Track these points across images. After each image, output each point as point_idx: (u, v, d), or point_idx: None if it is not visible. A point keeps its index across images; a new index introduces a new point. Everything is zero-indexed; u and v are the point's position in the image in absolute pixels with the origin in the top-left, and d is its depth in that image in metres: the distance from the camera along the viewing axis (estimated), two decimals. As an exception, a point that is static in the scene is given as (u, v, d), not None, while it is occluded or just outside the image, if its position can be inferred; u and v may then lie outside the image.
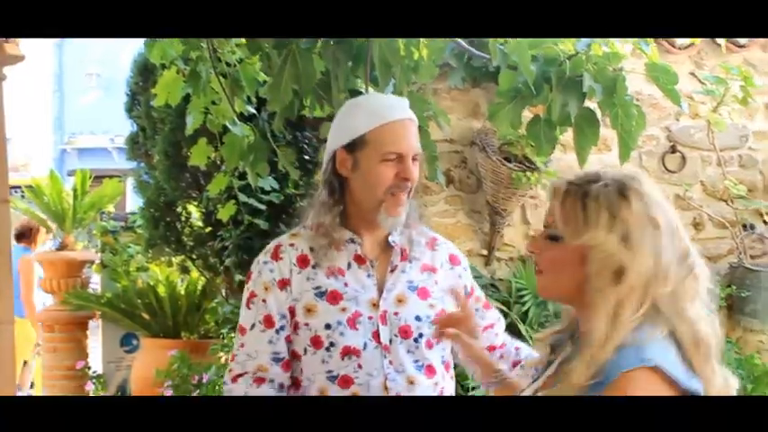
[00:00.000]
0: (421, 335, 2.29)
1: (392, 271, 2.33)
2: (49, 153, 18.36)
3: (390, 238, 2.35)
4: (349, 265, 2.30)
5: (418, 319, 2.29)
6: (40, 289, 7.29)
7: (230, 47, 3.63)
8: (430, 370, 2.30)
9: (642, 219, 1.64)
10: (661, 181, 4.98)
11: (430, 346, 2.31)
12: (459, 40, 2.94)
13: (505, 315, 4.27)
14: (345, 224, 2.31)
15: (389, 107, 2.33)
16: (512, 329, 4.27)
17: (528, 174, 4.39)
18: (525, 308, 4.44)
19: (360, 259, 2.32)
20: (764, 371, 3.97)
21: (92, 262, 7.17)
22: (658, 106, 4.88)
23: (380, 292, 2.30)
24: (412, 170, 2.26)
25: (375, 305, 2.27)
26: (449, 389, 2.39)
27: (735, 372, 4.07)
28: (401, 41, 2.72)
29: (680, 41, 4.68)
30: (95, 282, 7.54)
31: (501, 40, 2.77)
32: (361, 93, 2.97)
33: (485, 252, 4.91)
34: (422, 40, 2.72)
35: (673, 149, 5.00)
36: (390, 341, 2.24)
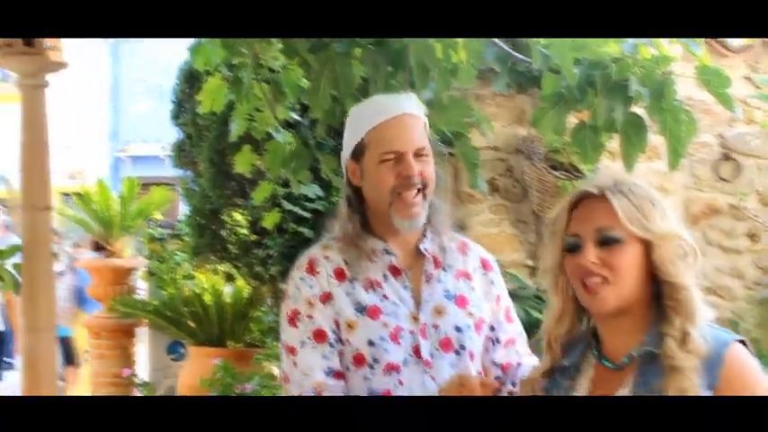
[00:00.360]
0: (463, 346, 2.19)
1: (427, 281, 2.23)
2: (104, 161, 18.64)
3: (421, 246, 2.24)
4: (385, 277, 2.21)
5: (458, 329, 2.19)
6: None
7: (273, 52, 3.62)
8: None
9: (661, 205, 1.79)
10: (714, 190, 4.93)
11: (473, 357, 2.21)
12: (500, 42, 2.87)
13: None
14: (374, 234, 2.23)
15: (383, 106, 2.27)
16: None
17: (574, 182, 4.32)
18: None
19: (395, 270, 2.22)
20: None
21: (139, 269, 7.27)
22: (711, 112, 4.73)
23: (418, 304, 2.20)
24: (411, 166, 2.15)
25: (415, 318, 2.17)
26: None
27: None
28: (438, 44, 2.67)
29: (734, 43, 4.58)
30: (143, 288, 7.62)
31: (543, 42, 2.69)
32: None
33: (530, 263, 4.85)
34: (460, 42, 2.65)
35: (726, 157, 4.90)
36: (432, 355, 2.15)
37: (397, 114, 2.21)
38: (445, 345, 2.17)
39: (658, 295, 1.76)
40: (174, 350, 6.76)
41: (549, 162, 4.45)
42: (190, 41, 3.85)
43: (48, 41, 4.15)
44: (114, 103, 19.02)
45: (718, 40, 4.47)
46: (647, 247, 1.74)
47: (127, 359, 6.95)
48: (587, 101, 2.73)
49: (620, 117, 2.66)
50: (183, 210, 8.01)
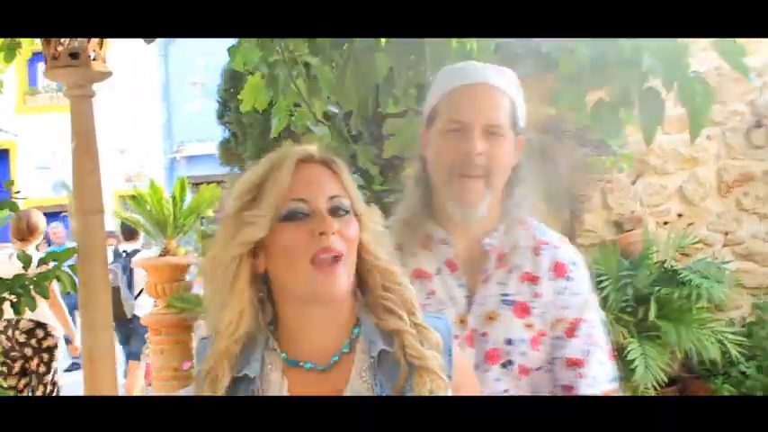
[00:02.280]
0: (511, 361, 1.90)
1: (485, 281, 1.93)
2: (159, 162, 18.97)
3: (487, 240, 1.94)
4: (438, 270, 1.94)
5: (509, 342, 1.91)
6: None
7: (306, 49, 3.74)
8: None
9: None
10: (747, 157, 4.90)
11: (526, 372, 1.92)
12: None
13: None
14: (436, 219, 1.96)
15: (465, 72, 1.98)
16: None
17: (604, 158, 4.36)
18: (604, 293, 4.39)
19: (452, 265, 1.95)
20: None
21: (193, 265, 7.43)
22: (742, 80, 4.67)
23: (470, 305, 1.93)
24: (475, 144, 1.84)
25: (463, 321, 1.91)
26: None
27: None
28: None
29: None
30: (199, 285, 7.78)
31: None
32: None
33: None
34: None
35: (758, 124, 4.86)
36: (476, 366, 1.87)
37: (476, 82, 1.93)
38: (491, 356, 1.91)
39: (360, 284, 1.54)
40: None
41: (579, 139, 4.50)
42: (231, 42, 4.02)
43: (91, 52, 4.32)
44: (167, 104, 19.34)
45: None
46: (359, 224, 1.52)
47: (186, 353, 7.08)
48: (603, 78, 2.77)
49: (634, 92, 2.69)
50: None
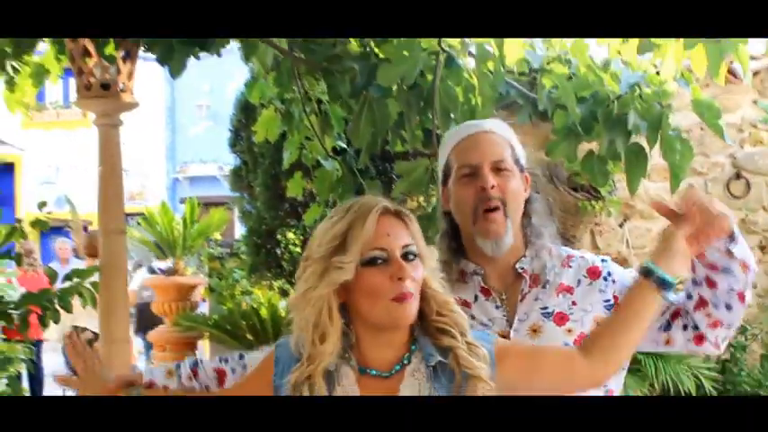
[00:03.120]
0: None
1: (522, 300, 2.12)
2: (161, 182, 19.13)
3: (518, 265, 2.14)
4: (476, 298, 2.14)
5: None
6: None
7: (320, 88, 4.00)
8: None
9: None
10: (726, 206, 5.13)
11: None
12: (515, 84, 3.23)
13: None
14: (469, 257, 2.16)
15: (464, 128, 2.27)
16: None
17: (593, 202, 4.63)
18: None
19: (485, 291, 2.15)
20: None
21: (200, 286, 7.65)
22: None
23: (511, 324, 2.11)
24: (487, 178, 2.06)
25: (505, 336, 2.06)
26: None
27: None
28: (459, 89, 3.00)
29: (740, 72, 4.80)
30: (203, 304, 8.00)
31: (549, 86, 3.04)
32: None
33: None
34: (477, 88, 2.99)
35: (737, 176, 5.15)
36: None
37: (478, 131, 2.18)
38: None
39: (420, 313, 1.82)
40: None
41: (571, 184, 4.76)
42: (244, 70, 4.20)
43: (121, 84, 4.58)
44: (172, 126, 19.50)
45: (729, 70, 4.72)
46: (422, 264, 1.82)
47: None
48: (594, 134, 3.03)
49: (620, 147, 2.95)
50: (240, 229, 8.42)
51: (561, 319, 2.09)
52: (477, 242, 2.11)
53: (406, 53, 2.85)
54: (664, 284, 1.87)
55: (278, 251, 6.52)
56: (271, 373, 1.87)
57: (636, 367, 4.40)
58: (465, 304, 2.08)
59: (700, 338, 2.08)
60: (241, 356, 2.15)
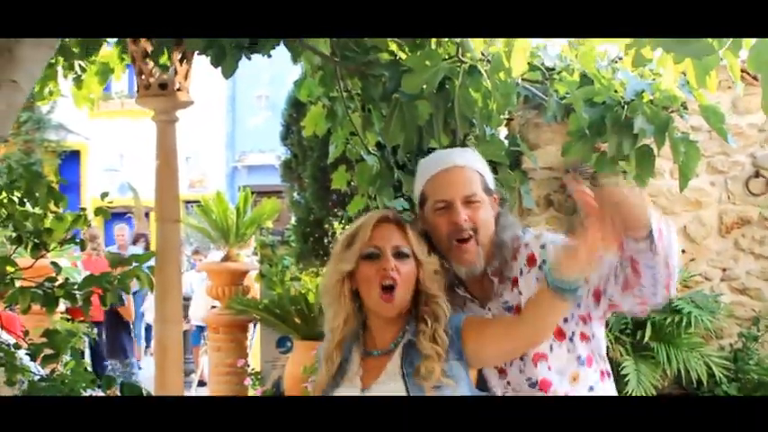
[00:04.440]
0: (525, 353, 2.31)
1: (491, 299, 2.39)
2: (221, 170, 19.47)
3: (489, 270, 2.37)
4: (464, 302, 2.40)
5: None
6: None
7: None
8: (544, 384, 2.31)
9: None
10: (745, 203, 5.31)
11: (535, 362, 2.31)
12: (532, 89, 3.44)
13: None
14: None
15: (437, 160, 2.47)
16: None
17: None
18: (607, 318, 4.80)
19: (472, 297, 2.41)
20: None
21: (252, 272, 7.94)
22: (744, 135, 5.15)
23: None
24: (459, 213, 2.29)
25: None
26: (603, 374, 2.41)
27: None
28: (478, 95, 3.23)
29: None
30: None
31: (561, 93, 3.26)
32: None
33: None
34: (494, 94, 3.20)
35: (757, 174, 5.29)
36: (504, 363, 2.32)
37: (448, 166, 2.39)
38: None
39: (416, 302, 2.23)
40: (283, 344, 7.23)
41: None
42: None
43: (177, 83, 4.91)
44: (232, 115, 19.82)
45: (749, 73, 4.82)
46: (418, 266, 2.21)
47: (241, 351, 7.60)
48: (604, 136, 3.21)
49: (627, 150, 3.13)
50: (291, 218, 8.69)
51: (517, 310, 2.33)
52: (453, 266, 2.35)
53: (428, 63, 3.09)
54: (561, 291, 2.08)
55: (325, 240, 6.75)
56: None
57: (649, 354, 4.63)
58: (463, 304, 2.40)
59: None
60: None
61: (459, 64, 3.09)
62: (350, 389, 2.21)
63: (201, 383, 9.38)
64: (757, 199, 5.31)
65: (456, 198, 2.33)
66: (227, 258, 7.80)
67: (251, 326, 7.92)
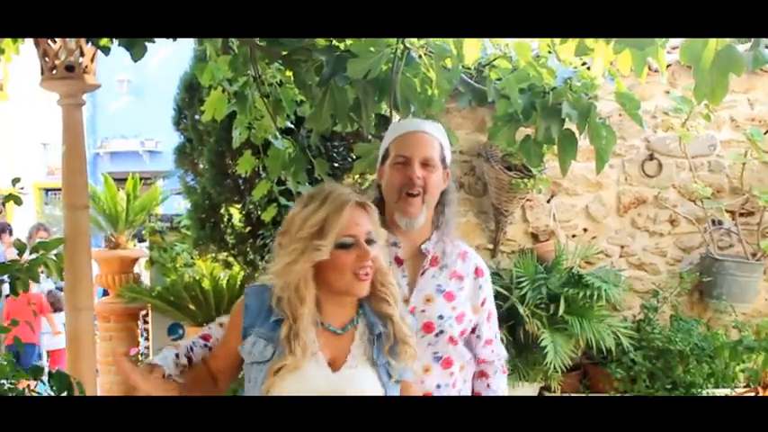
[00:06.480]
0: (441, 331, 2.57)
1: (422, 274, 2.60)
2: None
3: (423, 246, 2.62)
4: (390, 263, 2.55)
5: (441, 317, 2.58)
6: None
7: (272, 72, 4.24)
8: (447, 362, 2.59)
9: None
10: (641, 184, 5.61)
11: (452, 340, 2.59)
12: (464, 77, 3.56)
13: (506, 298, 4.96)
14: (388, 228, 2.50)
15: (407, 124, 2.73)
16: (512, 310, 4.97)
17: (525, 180, 5.06)
18: (523, 292, 5.07)
19: (398, 260, 2.61)
20: (723, 342, 4.65)
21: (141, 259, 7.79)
22: None
23: (411, 291, 2.59)
24: (415, 171, 2.55)
25: (406, 301, 2.53)
26: (460, 382, 2.68)
27: (702, 345, 4.84)
28: (417, 80, 3.32)
29: (654, 65, 5.17)
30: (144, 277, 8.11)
31: (495, 78, 3.40)
32: (384, 116, 3.48)
33: (490, 246, 5.54)
34: (434, 80, 3.31)
35: (651, 157, 5.59)
36: (417, 332, 2.44)
37: (416, 130, 2.65)
38: (427, 327, 2.57)
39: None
40: (174, 331, 7.11)
41: (505, 164, 5.16)
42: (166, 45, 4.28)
43: (83, 66, 4.80)
44: (92, 100, 19.25)
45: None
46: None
47: (133, 339, 7.50)
48: (532, 120, 3.33)
49: (555, 133, 3.26)
50: (167, 204, 8.53)
51: (450, 297, 2.60)
52: (396, 216, 2.59)
53: (372, 49, 3.17)
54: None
55: (221, 226, 6.67)
56: (241, 321, 2.31)
57: (563, 327, 4.88)
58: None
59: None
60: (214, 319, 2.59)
61: (403, 50, 3.18)
62: (319, 369, 2.20)
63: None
64: (651, 180, 5.60)
65: (415, 156, 2.57)
66: (116, 246, 7.63)
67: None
